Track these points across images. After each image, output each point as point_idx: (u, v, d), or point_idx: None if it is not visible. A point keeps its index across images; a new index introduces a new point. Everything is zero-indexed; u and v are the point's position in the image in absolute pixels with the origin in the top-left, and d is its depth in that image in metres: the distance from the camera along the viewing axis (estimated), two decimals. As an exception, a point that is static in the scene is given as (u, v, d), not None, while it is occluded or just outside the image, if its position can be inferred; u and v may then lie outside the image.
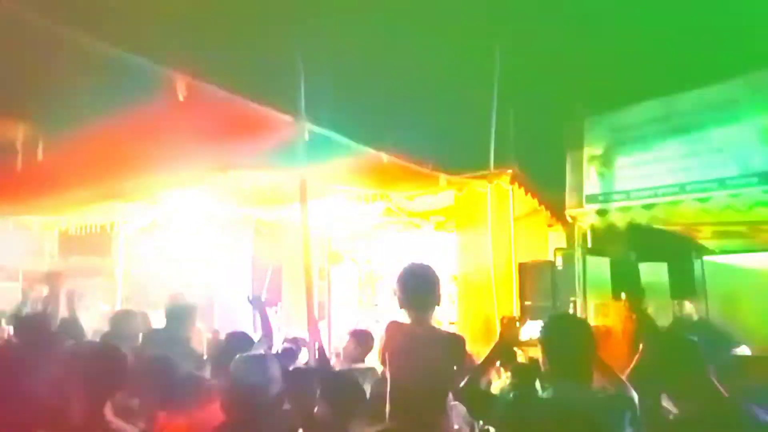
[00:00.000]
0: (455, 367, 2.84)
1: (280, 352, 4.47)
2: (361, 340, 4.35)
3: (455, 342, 2.96)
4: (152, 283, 7.20)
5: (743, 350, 4.93)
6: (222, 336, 4.27)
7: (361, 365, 4.21)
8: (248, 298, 4.28)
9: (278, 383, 2.45)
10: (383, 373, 3.07)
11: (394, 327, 3.03)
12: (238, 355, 2.60)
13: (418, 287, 2.98)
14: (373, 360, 4.25)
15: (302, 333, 4.55)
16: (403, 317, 3.05)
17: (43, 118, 3.14)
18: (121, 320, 4.66)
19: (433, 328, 3.01)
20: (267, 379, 2.40)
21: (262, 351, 3.38)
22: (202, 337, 5.46)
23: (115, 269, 7.64)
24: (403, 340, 2.93)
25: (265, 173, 4.92)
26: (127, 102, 2.91)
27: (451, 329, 6.27)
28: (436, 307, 3.03)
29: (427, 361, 2.80)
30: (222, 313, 7.59)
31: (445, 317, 6.93)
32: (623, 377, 2.54)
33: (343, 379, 3.23)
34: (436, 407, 2.84)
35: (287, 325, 6.94)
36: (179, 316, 4.35)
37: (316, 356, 3.66)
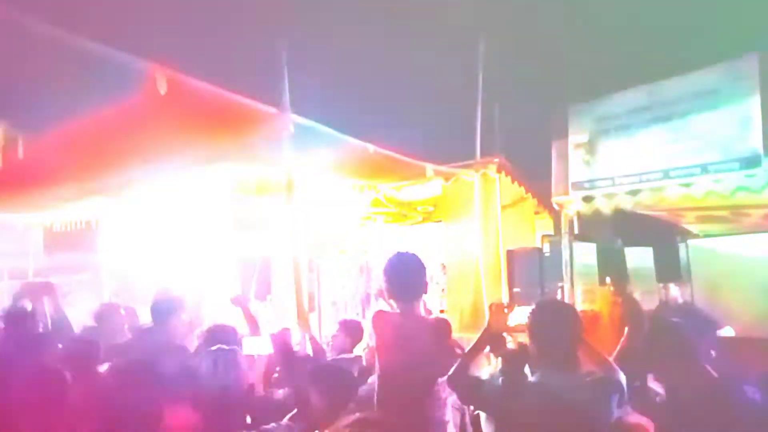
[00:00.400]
0: (442, 352, 2.86)
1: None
2: (351, 330, 4.37)
3: (440, 326, 2.97)
4: (139, 278, 7.14)
5: (727, 332, 5.03)
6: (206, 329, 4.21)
7: (348, 355, 4.22)
8: (231, 298, 4.22)
9: (247, 376, 2.46)
10: (371, 362, 3.08)
11: (379, 316, 3.04)
12: (207, 350, 2.60)
13: (404, 276, 2.99)
14: (360, 350, 4.27)
15: (292, 325, 4.54)
16: (392, 307, 3.06)
17: (22, 115, 3.09)
18: (105, 314, 4.64)
19: (419, 315, 3.01)
20: (235, 372, 2.39)
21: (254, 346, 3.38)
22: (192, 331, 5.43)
23: (101, 265, 7.57)
24: (389, 329, 2.94)
25: (250, 166, 4.88)
26: (108, 97, 2.86)
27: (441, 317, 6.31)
28: (423, 295, 3.04)
29: (414, 349, 2.81)
30: (210, 308, 7.55)
31: (434, 306, 6.97)
32: (611, 361, 2.57)
33: (335, 369, 3.24)
34: (424, 393, 2.86)
35: (278, 318, 6.93)
36: (166, 311, 4.31)
37: (307, 347, 3.67)
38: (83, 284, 7.24)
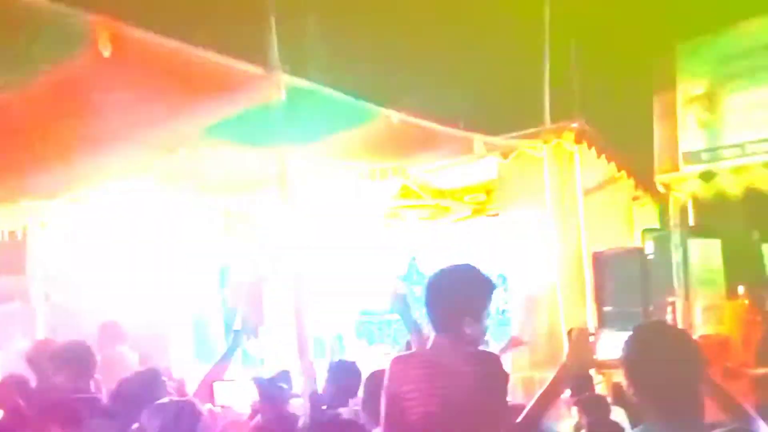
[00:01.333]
0: (494, 398, 2.87)
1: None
2: (341, 377, 4.32)
3: (484, 362, 2.97)
4: (83, 307, 7.31)
5: None
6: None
7: (343, 409, 4.19)
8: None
9: None
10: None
11: (396, 364, 3.05)
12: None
13: (440, 299, 3.00)
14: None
15: (292, 366, 4.60)
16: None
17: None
18: (40, 355, 4.83)
19: (456, 350, 3.01)
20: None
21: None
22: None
23: (33, 290, 7.77)
24: (413, 380, 2.95)
25: (231, 150, 4.97)
26: (40, 63, 2.96)
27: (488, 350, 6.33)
28: (471, 322, 3.05)
29: (451, 398, 2.83)
30: (181, 344, 7.71)
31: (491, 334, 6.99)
32: (748, 407, 2.56)
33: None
34: None
35: (273, 357, 7.03)
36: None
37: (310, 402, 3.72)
38: (11, 317, 7.44)
